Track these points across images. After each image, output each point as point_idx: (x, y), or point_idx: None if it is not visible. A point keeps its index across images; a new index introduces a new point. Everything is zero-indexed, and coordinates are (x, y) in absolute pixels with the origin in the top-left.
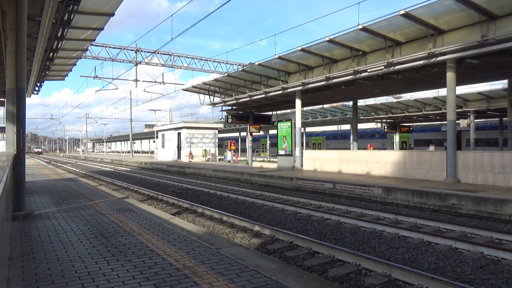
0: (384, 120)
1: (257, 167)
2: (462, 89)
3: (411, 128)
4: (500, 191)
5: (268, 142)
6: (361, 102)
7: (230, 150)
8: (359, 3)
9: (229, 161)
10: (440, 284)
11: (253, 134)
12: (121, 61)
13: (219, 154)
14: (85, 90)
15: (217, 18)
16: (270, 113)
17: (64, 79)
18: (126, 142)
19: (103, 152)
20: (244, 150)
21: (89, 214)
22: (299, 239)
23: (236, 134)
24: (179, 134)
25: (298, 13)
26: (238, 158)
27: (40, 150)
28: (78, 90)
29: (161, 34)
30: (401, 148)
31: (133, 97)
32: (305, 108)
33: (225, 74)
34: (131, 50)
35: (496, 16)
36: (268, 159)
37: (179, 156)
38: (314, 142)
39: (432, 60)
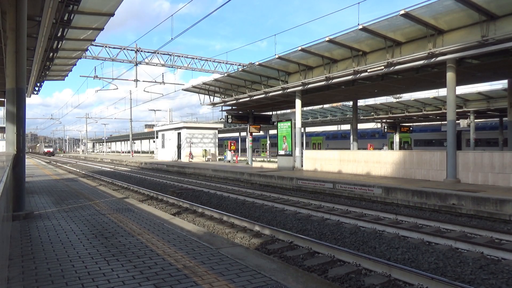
0: (384, 120)
1: (257, 167)
2: (462, 89)
3: (411, 128)
4: (500, 191)
5: (268, 142)
6: (361, 102)
7: (230, 150)
8: (359, 3)
9: (229, 161)
10: (440, 284)
11: (253, 134)
12: (121, 61)
13: (219, 154)
14: (86, 90)
15: (218, 18)
16: (270, 113)
17: (64, 79)
18: (126, 142)
19: (103, 152)
20: (244, 150)
21: (89, 214)
22: (299, 239)
23: (236, 134)
24: (179, 134)
25: (298, 14)
26: (238, 158)
27: (51, 150)
28: (79, 90)
29: (162, 34)
30: (402, 148)
31: (133, 97)
32: (305, 108)
33: (225, 74)
34: (131, 50)
35: (496, 16)
36: (268, 159)
37: (179, 156)
38: (314, 142)
39: (432, 60)
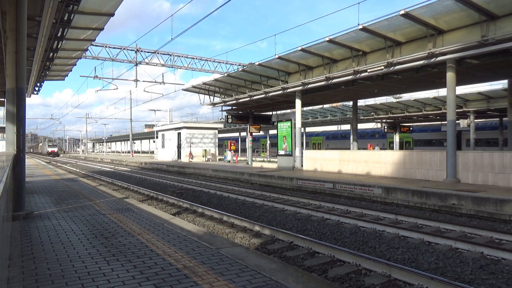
0: (384, 120)
1: (257, 167)
2: (462, 89)
3: (411, 128)
4: (500, 191)
5: (268, 142)
6: (361, 102)
7: (230, 150)
8: (359, 3)
9: (229, 161)
10: (440, 284)
11: (253, 134)
12: (121, 61)
13: (219, 154)
14: (86, 90)
15: (218, 18)
16: (270, 113)
17: (64, 79)
18: (126, 142)
19: (103, 152)
20: (244, 150)
21: (89, 214)
22: (299, 239)
23: (236, 134)
24: (179, 134)
25: (299, 14)
26: (238, 158)
27: (56, 149)
28: (79, 90)
29: (162, 34)
30: (404, 148)
31: (133, 97)
32: (305, 108)
33: (225, 74)
34: (131, 50)
35: (496, 16)
36: (268, 159)
37: (179, 156)
38: (314, 142)
39: (432, 60)
